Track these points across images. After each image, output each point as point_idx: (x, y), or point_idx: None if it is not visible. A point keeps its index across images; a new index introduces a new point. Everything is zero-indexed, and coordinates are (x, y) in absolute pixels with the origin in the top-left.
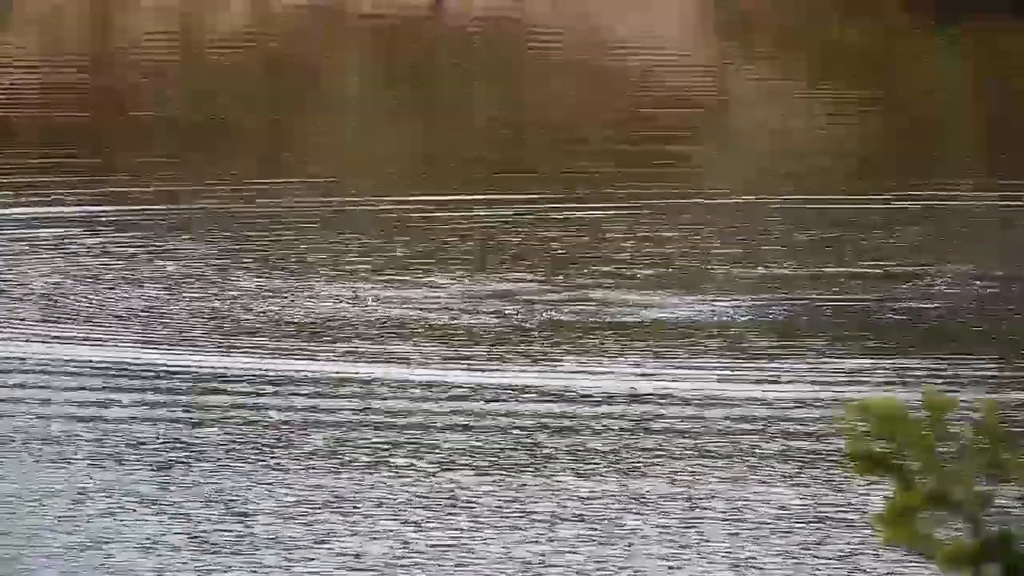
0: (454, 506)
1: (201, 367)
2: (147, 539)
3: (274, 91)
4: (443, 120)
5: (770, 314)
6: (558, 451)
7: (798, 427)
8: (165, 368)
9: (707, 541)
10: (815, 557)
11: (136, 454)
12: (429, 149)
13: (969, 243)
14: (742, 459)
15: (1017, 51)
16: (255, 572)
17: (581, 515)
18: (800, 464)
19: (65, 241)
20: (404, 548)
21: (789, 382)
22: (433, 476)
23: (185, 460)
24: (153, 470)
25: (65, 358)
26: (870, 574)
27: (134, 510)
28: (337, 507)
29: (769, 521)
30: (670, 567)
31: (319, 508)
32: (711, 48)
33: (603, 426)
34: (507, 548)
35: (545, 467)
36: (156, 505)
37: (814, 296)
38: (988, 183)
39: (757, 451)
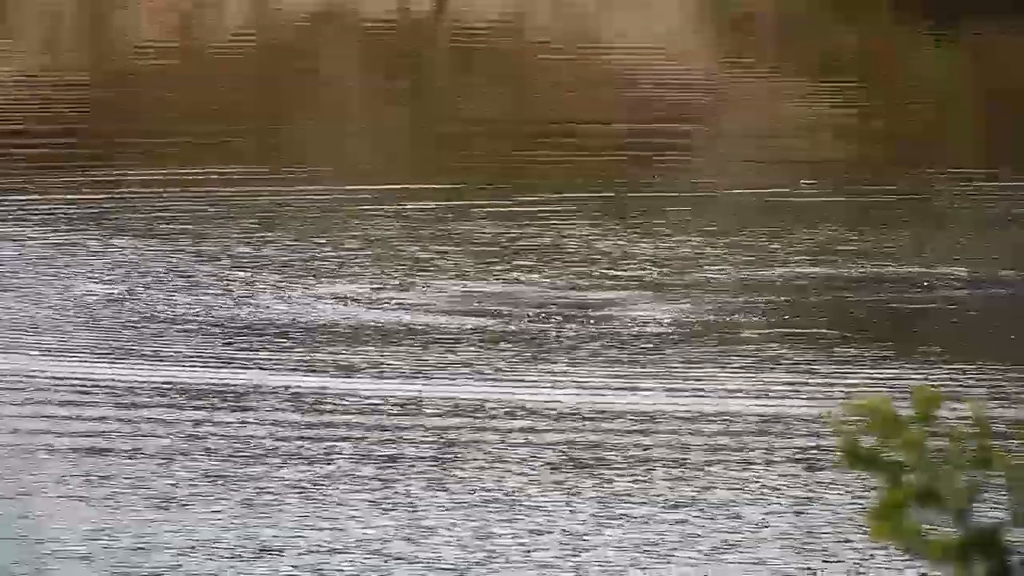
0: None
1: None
2: None
3: (277, 91)
4: (440, 119)
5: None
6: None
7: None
8: None
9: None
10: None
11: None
12: (425, 147)
13: (955, 242)
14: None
15: (1006, 53)
16: None
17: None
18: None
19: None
20: None
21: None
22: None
23: None
24: None
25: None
26: None
27: None
28: None
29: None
30: None
31: None
32: (707, 49)
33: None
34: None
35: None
36: None
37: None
38: (977, 178)
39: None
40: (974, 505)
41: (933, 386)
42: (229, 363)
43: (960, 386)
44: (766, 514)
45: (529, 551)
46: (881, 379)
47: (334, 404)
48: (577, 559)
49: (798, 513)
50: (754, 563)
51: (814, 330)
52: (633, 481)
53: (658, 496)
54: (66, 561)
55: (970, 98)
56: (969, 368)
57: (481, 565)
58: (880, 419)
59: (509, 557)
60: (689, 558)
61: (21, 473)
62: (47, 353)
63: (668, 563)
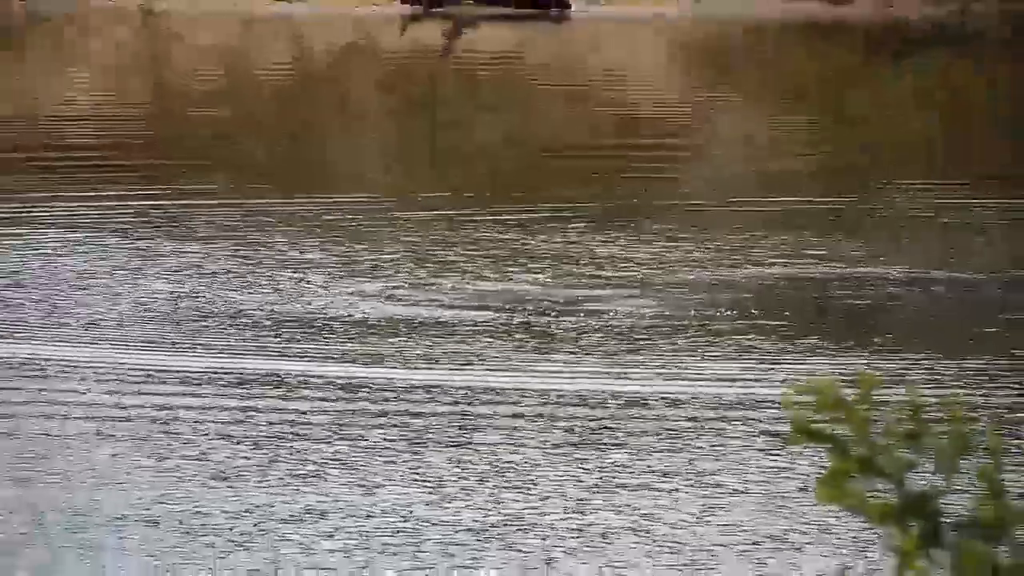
0: None
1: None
2: None
3: (311, 113)
4: (448, 139)
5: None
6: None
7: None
8: None
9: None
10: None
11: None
12: (437, 163)
13: (898, 244)
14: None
15: (955, 81)
16: None
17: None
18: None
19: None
20: None
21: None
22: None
23: None
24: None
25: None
26: None
27: None
28: None
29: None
30: None
31: None
32: (683, 79)
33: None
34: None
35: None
36: None
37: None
38: (914, 188)
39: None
40: (909, 474)
41: (878, 371)
42: (277, 353)
43: (902, 371)
44: (745, 482)
45: (541, 514)
46: (837, 365)
47: (369, 388)
48: (581, 520)
49: (770, 481)
50: (734, 524)
51: (779, 323)
52: (628, 455)
53: (651, 468)
54: (138, 524)
55: (909, 121)
56: (910, 355)
57: (496, 527)
58: (827, 399)
59: (523, 519)
60: (680, 520)
61: (102, 446)
62: (124, 345)
63: (661, 523)
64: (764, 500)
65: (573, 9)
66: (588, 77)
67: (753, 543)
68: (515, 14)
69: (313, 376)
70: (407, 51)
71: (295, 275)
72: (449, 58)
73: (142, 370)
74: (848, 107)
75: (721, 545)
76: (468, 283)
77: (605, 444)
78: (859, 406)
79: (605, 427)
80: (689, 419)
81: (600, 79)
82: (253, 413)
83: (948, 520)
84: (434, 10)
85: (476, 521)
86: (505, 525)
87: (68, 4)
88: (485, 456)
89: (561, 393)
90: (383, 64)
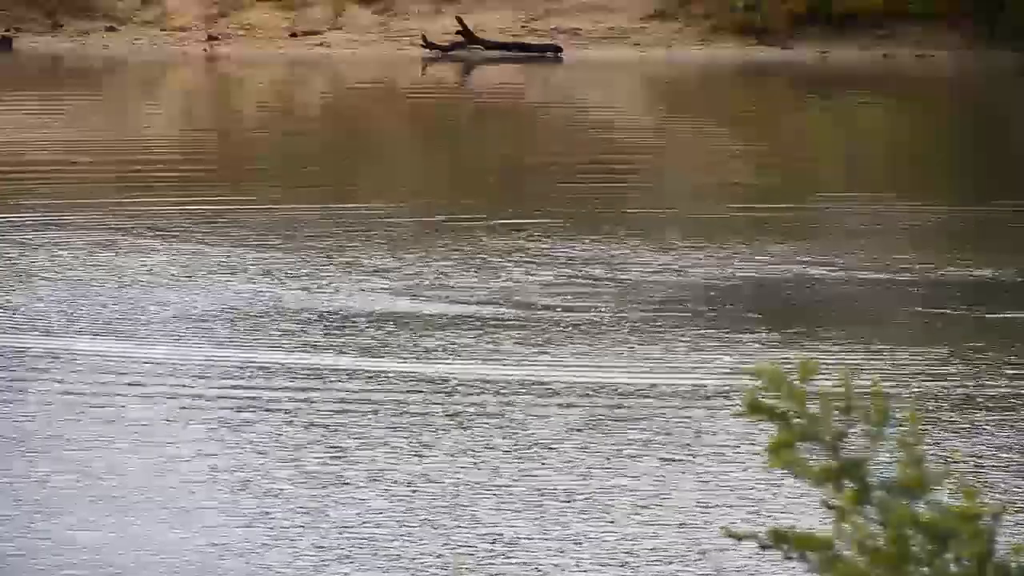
0: None
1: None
2: None
3: (345, 142)
4: (464, 159)
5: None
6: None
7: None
8: None
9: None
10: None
11: None
12: (454, 181)
13: (833, 247)
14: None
15: (871, 116)
16: None
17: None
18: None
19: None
20: None
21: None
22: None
23: None
24: None
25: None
26: None
27: None
28: None
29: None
30: None
31: None
32: (652, 110)
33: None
34: None
35: None
36: None
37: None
38: (843, 200)
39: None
40: (843, 442)
41: (819, 357)
42: (325, 347)
43: (837, 355)
44: (724, 452)
45: (553, 487)
46: (794, 352)
47: (405, 374)
48: (589, 491)
49: (748, 459)
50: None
51: (746, 315)
52: (628, 436)
53: (650, 445)
54: (221, 488)
55: (838, 143)
56: (854, 343)
57: (521, 502)
58: (773, 380)
59: (540, 489)
60: (675, 490)
61: (190, 427)
62: (198, 342)
63: (661, 500)
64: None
65: (564, 53)
66: (576, 106)
67: None
68: (516, 56)
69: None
70: (429, 85)
71: (333, 275)
72: (464, 86)
73: (216, 364)
74: (782, 132)
75: None
76: (477, 281)
77: (607, 426)
78: (799, 386)
79: (605, 412)
80: (672, 403)
81: (586, 108)
82: (306, 396)
83: (875, 481)
84: (450, 53)
85: None
86: (530, 497)
87: (144, 52)
88: (505, 437)
89: (563, 382)
90: (407, 96)
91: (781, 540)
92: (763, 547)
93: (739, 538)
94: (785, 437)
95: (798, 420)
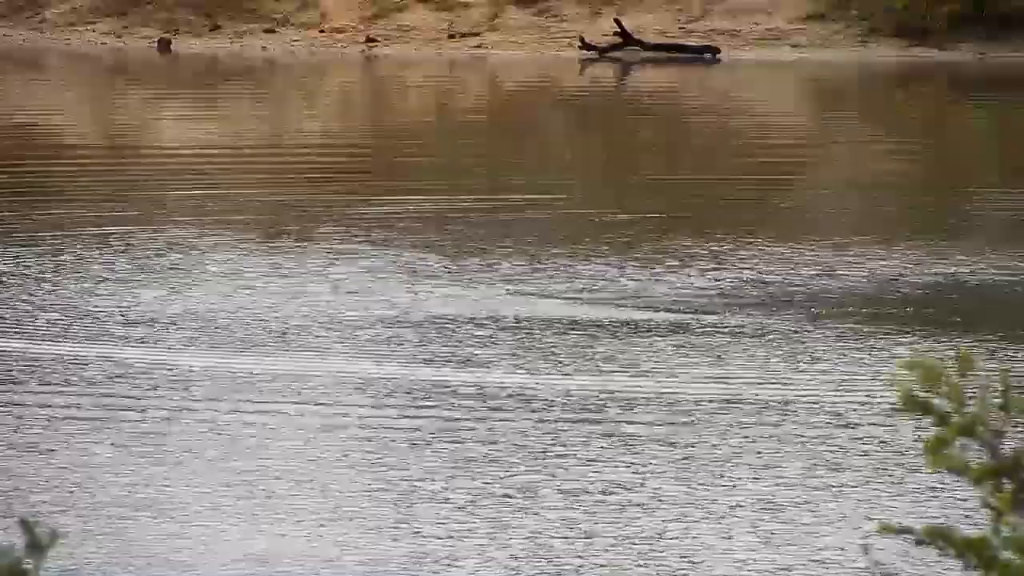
0: None
1: None
2: None
3: (501, 139)
4: (620, 157)
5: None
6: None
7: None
8: None
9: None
10: None
11: None
12: (607, 169)
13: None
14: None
15: None
16: None
17: None
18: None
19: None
20: None
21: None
22: None
23: None
24: None
25: None
26: None
27: None
28: None
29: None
30: None
31: None
32: (815, 111)
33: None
34: None
35: None
36: None
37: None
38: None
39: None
40: (1002, 440)
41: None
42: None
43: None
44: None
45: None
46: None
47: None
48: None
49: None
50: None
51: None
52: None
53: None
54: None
55: (1006, 145)
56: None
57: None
58: (930, 375)
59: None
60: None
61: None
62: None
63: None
64: None
65: (721, 55)
66: (729, 108)
67: None
68: (674, 57)
69: None
70: (585, 86)
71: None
72: (620, 89)
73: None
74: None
75: None
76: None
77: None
78: (957, 381)
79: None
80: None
81: (751, 111)
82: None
83: None
84: (607, 55)
85: None
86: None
87: (302, 54)
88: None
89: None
90: (565, 96)
91: (937, 536)
92: (918, 543)
93: (896, 533)
94: (943, 435)
95: (956, 416)
